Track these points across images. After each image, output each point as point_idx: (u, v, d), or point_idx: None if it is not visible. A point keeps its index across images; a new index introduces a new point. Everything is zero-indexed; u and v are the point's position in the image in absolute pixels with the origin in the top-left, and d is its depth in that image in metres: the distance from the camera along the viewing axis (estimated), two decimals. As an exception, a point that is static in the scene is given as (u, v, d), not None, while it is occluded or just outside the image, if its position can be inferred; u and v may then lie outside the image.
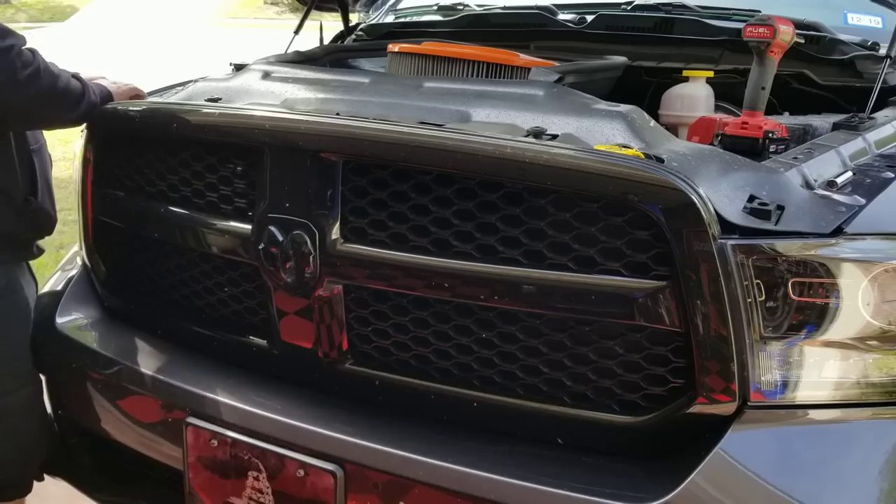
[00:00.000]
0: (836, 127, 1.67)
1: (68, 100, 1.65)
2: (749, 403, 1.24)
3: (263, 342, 1.57)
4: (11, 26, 1.67)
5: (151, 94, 2.02)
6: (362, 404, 1.48)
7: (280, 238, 1.46)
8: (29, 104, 1.59)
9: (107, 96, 1.74)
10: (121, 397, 1.70)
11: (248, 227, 1.51)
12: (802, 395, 1.27)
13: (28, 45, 1.59)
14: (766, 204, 1.24)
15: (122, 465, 1.81)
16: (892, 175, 1.42)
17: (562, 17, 2.29)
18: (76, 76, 1.70)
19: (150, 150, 1.69)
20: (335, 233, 1.42)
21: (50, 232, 1.82)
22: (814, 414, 1.28)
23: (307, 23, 2.52)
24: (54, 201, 1.83)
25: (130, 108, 1.71)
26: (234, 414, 1.50)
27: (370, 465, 1.37)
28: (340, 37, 2.61)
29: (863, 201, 1.31)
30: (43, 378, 1.83)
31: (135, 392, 1.66)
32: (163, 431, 1.62)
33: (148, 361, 1.67)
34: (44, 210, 1.77)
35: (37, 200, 1.75)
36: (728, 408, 1.23)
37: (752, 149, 1.53)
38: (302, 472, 1.41)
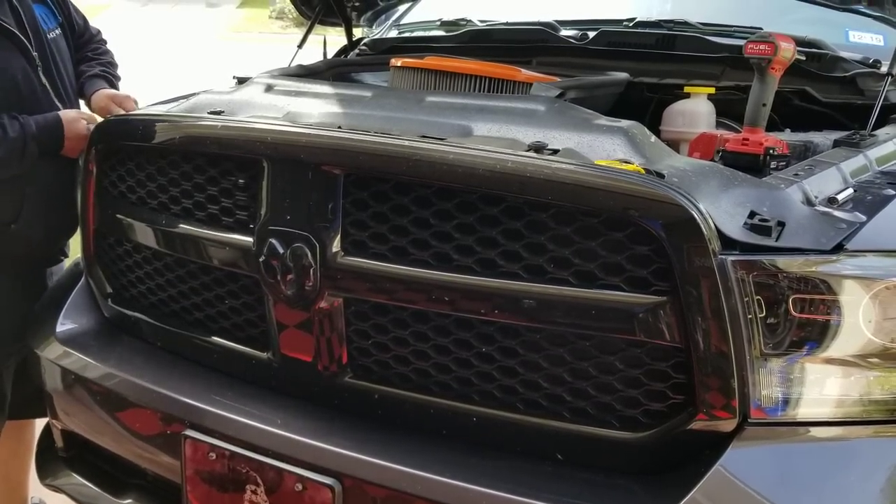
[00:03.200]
0: (837, 144, 1.67)
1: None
2: (749, 420, 1.23)
3: (263, 355, 1.57)
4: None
5: (154, 105, 2.03)
6: (361, 418, 1.47)
7: (281, 250, 1.46)
8: None
9: (52, 128, 1.91)
10: (120, 409, 1.69)
11: (249, 239, 1.51)
12: (803, 412, 1.26)
13: None
14: (766, 220, 1.24)
15: (120, 477, 1.80)
16: (893, 192, 1.42)
17: (564, 33, 2.30)
18: (14, 120, 1.83)
19: (152, 162, 1.70)
20: (336, 246, 1.42)
21: (34, 252, 2.04)
22: (815, 431, 1.27)
23: (311, 37, 2.53)
24: (56, 224, 2.02)
25: (132, 120, 1.72)
26: (232, 427, 1.49)
27: (369, 479, 1.36)
28: (344, 51, 2.62)
29: (864, 218, 1.30)
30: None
31: (134, 404, 1.65)
32: (161, 444, 1.62)
33: (147, 373, 1.67)
34: (22, 236, 1.96)
35: (16, 227, 1.94)
36: (728, 424, 1.23)
37: (752, 165, 1.53)
38: (300, 486, 1.40)
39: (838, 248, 1.25)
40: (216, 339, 1.66)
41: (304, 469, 1.40)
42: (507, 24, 2.49)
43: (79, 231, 1.91)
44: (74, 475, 1.87)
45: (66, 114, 1.95)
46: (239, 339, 1.62)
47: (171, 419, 1.58)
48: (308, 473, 1.40)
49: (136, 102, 2.09)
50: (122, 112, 2.03)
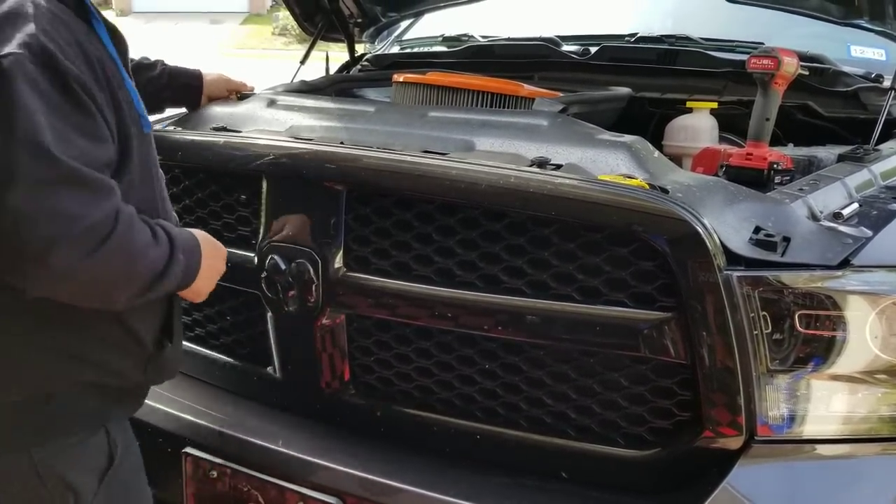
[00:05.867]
0: (841, 158, 1.67)
1: (135, 282, 1.11)
2: (756, 437, 1.22)
3: (265, 371, 1.56)
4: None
5: (156, 122, 2.03)
6: (364, 435, 1.46)
7: (283, 266, 1.45)
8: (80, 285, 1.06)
9: (191, 249, 1.20)
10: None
11: (251, 255, 1.51)
12: (810, 429, 1.25)
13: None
14: (771, 235, 1.23)
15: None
16: (899, 207, 1.41)
17: (566, 48, 2.30)
18: (164, 232, 1.14)
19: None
20: (338, 261, 1.41)
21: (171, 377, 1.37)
22: (821, 449, 1.26)
23: (314, 53, 2.53)
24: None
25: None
26: (233, 444, 1.48)
27: (371, 497, 1.35)
28: (346, 67, 2.63)
29: (869, 233, 1.30)
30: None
31: (133, 421, 1.64)
32: (161, 461, 1.60)
33: (148, 390, 1.65)
34: (175, 357, 1.30)
35: (171, 344, 1.27)
36: (735, 442, 1.22)
37: (756, 180, 1.52)
38: (301, 505, 1.39)
39: (844, 264, 1.24)
40: (217, 355, 1.65)
41: (305, 487, 1.39)
42: (509, 39, 2.50)
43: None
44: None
45: (203, 236, 1.26)
46: (240, 356, 1.61)
47: (171, 436, 1.56)
48: (310, 492, 1.38)
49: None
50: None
